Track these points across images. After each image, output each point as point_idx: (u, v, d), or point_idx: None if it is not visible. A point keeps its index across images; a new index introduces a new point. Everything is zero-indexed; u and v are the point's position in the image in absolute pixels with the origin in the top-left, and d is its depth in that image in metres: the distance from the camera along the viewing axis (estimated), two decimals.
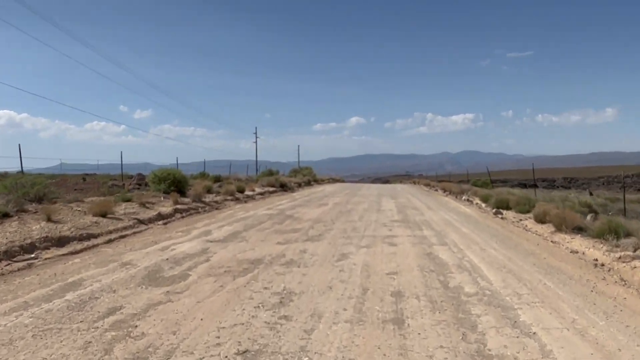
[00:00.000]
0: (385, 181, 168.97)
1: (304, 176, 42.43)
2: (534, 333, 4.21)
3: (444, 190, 29.76)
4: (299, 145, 79.55)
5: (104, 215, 11.15)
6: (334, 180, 58.80)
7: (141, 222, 11.79)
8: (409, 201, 20.78)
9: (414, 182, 50.61)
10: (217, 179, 26.49)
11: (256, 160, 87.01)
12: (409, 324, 4.40)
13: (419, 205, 18.24)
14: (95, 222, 10.52)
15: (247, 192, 23.01)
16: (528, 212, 14.90)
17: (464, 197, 22.79)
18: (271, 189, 26.83)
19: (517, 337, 4.11)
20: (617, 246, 7.84)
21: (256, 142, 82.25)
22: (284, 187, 28.34)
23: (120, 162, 25.98)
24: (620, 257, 7.13)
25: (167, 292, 5.53)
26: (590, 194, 26.36)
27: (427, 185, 39.52)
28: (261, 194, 23.83)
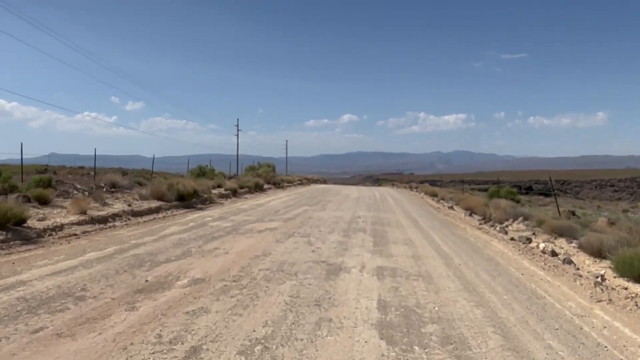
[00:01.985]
0: (376, 180, 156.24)
1: (258, 176, 29.45)
2: None
3: (470, 212, 16.87)
4: (287, 140, 69.94)
5: None
6: (308, 182, 45.77)
7: None
8: (429, 276, 7.79)
9: (411, 188, 37.67)
10: (47, 182, 13.49)
11: (237, 155, 75.28)
12: None
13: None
14: None
15: (60, 220, 10.16)
16: None
17: (540, 244, 9.91)
18: (153, 204, 13.91)
19: None
20: None
21: (237, 135, 69.41)
22: (184, 200, 15.40)
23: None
24: None
25: None
26: None
27: (432, 195, 26.62)
28: (90, 222, 10.86)
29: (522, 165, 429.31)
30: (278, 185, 30.94)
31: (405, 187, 40.66)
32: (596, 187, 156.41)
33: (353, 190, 31.90)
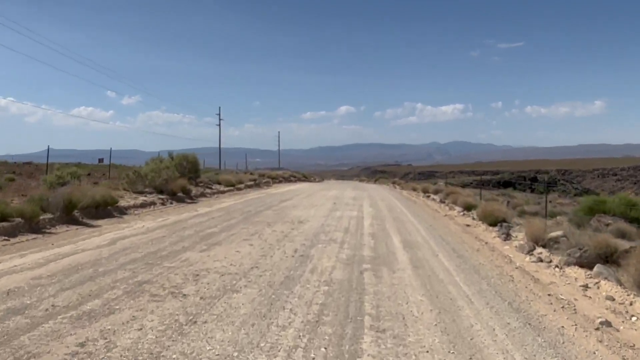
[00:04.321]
0: (373, 173, 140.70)
1: (139, 178, 14.53)
2: None
3: None
4: (279, 132, 63.71)
5: None
6: (273, 181, 30.63)
7: None
8: None
9: (426, 193, 22.17)
10: None
11: (219, 148, 60.34)
12: None
13: None
14: None
15: None
16: None
17: None
18: None
19: None
20: None
21: (219, 124, 58.77)
22: None
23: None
24: None
25: None
26: None
27: (490, 219, 11.40)
28: None
29: (520, 155, 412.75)
30: (185, 196, 15.88)
31: (414, 190, 25.31)
32: (598, 176, 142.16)
33: (326, 202, 16.75)
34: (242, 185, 23.41)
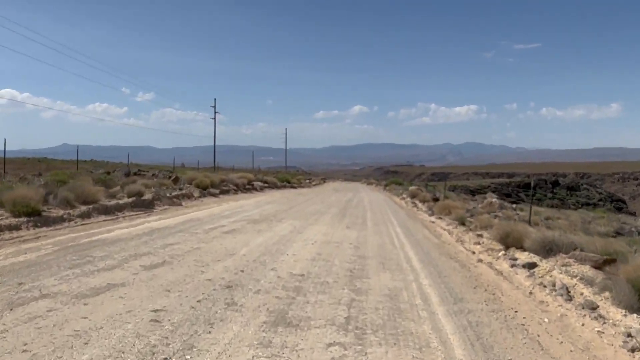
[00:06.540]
0: (386, 173, 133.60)
1: None
2: None
3: None
4: (286, 129, 65.53)
5: None
6: (208, 194, 20.05)
7: None
8: None
9: (520, 248, 6.37)
10: None
11: (214, 144, 54.54)
12: None
13: None
14: None
15: None
16: None
17: None
18: None
19: None
20: None
21: (215, 118, 53.16)
22: None
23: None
24: None
25: None
26: None
27: None
28: None
29: (534, 157, 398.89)
30: None
31: (464, 227, 11.65)
32: (618, 180, 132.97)
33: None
34: (74, 212, 9.96)
